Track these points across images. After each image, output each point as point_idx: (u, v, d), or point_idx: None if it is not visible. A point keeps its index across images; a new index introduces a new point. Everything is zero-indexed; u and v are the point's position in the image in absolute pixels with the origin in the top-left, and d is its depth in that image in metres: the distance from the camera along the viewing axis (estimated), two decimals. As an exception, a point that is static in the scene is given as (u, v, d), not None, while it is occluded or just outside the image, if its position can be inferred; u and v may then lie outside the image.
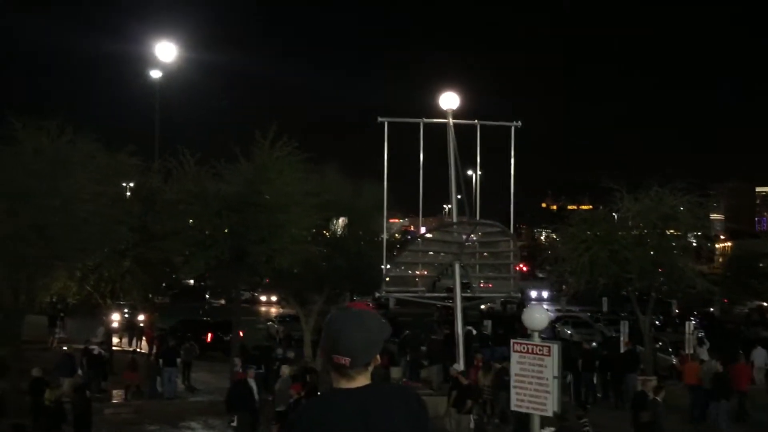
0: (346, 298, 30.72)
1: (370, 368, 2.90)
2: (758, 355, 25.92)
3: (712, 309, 51.48)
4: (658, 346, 29.68)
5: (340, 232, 30.05)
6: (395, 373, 23.06)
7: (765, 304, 58.83)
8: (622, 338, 28.19)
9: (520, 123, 25.14)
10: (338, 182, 28.90)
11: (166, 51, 38.02)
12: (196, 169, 23.74)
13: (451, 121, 23.22)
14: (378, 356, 2.92)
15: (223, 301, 55.83)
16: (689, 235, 28.78)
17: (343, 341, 2.84)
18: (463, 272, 23.46)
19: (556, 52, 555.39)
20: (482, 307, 41.15)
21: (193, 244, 23.40)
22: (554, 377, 10.58)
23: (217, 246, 22.58)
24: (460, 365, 20.07)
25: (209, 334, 33.10)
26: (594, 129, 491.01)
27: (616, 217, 27.32)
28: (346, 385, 2.88)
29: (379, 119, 23.22)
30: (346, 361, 2.83)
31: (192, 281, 53.26)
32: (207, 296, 59.18)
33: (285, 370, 19.32)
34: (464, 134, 24.64)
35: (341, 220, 29.98)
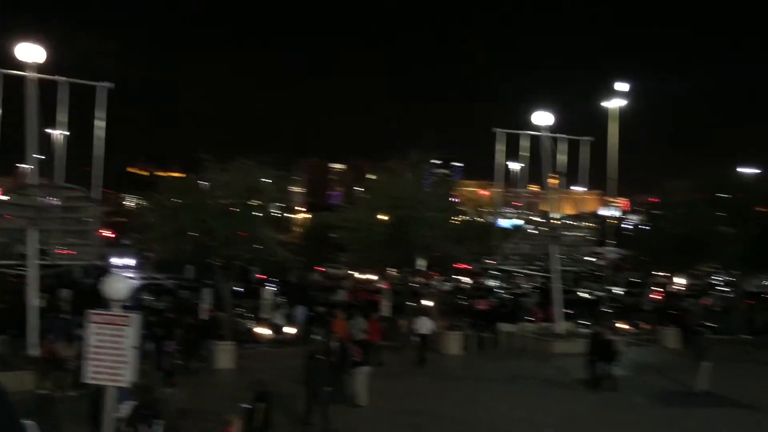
0: None
1: None
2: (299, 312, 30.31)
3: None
4: (238, 312, 31.01)
5: None
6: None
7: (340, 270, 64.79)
8: (205, 305, 28.87)
9: (113, 85, 24.25)
10: None
11: None
12: None
13: (32, 75, 21.40)
14: None
15: None
16: (272, 206, 30.51)
17: None
18: (41, 237, 21.91)
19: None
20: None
21: None
22: (133, 347, 10.48)
23: None
24: None
25: None
26: (191, 98, 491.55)
27: (205, 186, 27.72)
28: None
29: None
30: None
31: None
32: None
33: None
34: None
35: None
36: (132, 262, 65.82)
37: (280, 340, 28.85)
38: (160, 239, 25.88)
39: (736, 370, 24.26)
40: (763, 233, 35.74)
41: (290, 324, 30.02)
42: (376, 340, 25.45)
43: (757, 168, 53.37)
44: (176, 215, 25.06)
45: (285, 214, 37.43)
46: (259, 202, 27.54)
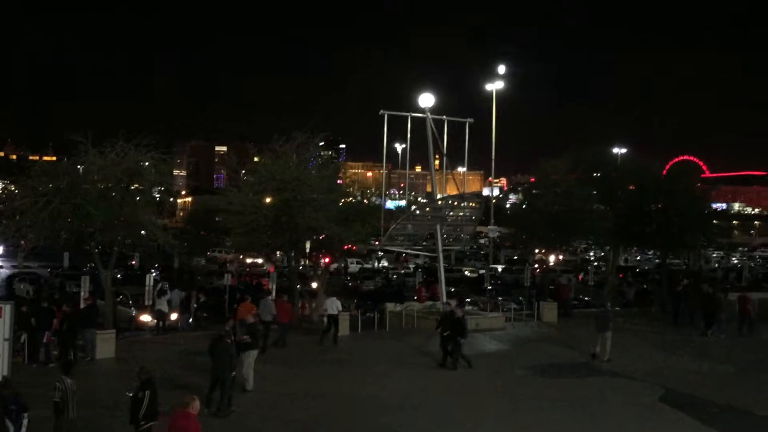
0: None
1: None
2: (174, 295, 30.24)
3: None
4: (119, 299, 30.09)
5: None
6: None
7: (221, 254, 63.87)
8: (82, 293, 27.83)
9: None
10: None
11: None
12: None
13: None
14: None
15: None
16: (153, 189, 29.63)
17: None
18: None
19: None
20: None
21: None
22: (5, 339, 10.01)
23: None
24: None
25: None
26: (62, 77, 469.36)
27: (80, 170, 26.59)
28: None
29: None
30: None
31: None
32: None
33: None
34: None
35: None
36: (2, 250, 62.64)
37: (162, 326, 28.18)
38: (32, 226, 24.61)
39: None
40: (630, 210, 37.75)
41: (172, 310, 29.41)
42: (286, 321, 25.79)
43: (626, 148, 56.32)
44: (49, 201, 23.91)
45: (167, 198, 36.37)
46: (139, 186, 26.69)
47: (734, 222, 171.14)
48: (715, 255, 76.18)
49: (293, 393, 18.75)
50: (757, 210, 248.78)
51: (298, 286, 32.53)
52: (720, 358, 24.41)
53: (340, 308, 27.50)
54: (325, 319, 27.01)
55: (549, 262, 45.76)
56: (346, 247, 37.12)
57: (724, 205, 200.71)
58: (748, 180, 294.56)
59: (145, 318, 28.92)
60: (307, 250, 32.73)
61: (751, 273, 57.99)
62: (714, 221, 44.65)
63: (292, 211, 28.67)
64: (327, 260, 38.26)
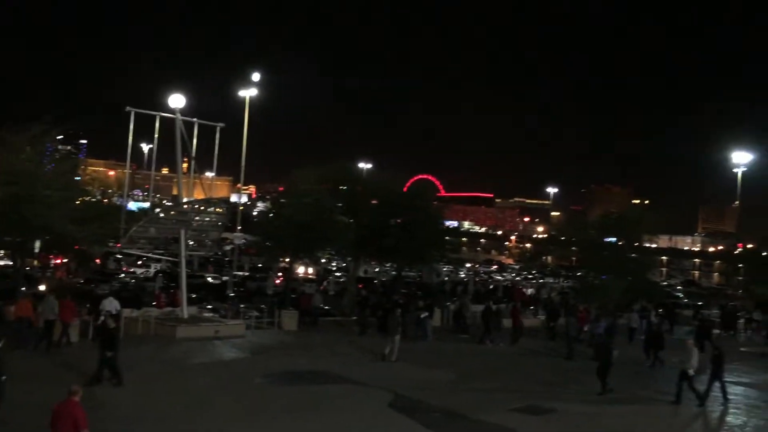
0: None
1: None
2: None
3: None
4: None
5: None
6: None
7: None
8: None
9: None
10: None
11: None
12: None
13: None
14: None
15: None
16: None
17: None
18: None
19: None
20: None
21: None
22: None
23: None
24: None
25: None
26: None
27: None
28: None
29: None
30: None
31: None
32: None
33: None
34: None
35: None
36: None
37: None
38: None
39: (344, 349, 26.53)
40: (372, 224, 39.59)
41: None
42: (69, 321, 25.29)
43: (372, 163, 59.06)
44: None
45: None
46: None
47: (464, 239, 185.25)
48: (445, 269, 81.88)
49: (39, 403, 17.27)
50: (483, 229, 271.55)
51: (24, 288, 30.08)
52: (445, 366, 26.29)
53: (119, 308, 26.38)
54: (102, 318, 25.35)
55: (293, 271, 46.45)
56: (77, 246, 34.96)
57: (455, 223, 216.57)
58: (477, 201, 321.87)
59: None
60: (36, 250, 30.46)
61: (475, 287, 63.05)
62: (447, 237, 48.08)
63: (21, 208, 26.49)
64: (58, 261, 35.89)
